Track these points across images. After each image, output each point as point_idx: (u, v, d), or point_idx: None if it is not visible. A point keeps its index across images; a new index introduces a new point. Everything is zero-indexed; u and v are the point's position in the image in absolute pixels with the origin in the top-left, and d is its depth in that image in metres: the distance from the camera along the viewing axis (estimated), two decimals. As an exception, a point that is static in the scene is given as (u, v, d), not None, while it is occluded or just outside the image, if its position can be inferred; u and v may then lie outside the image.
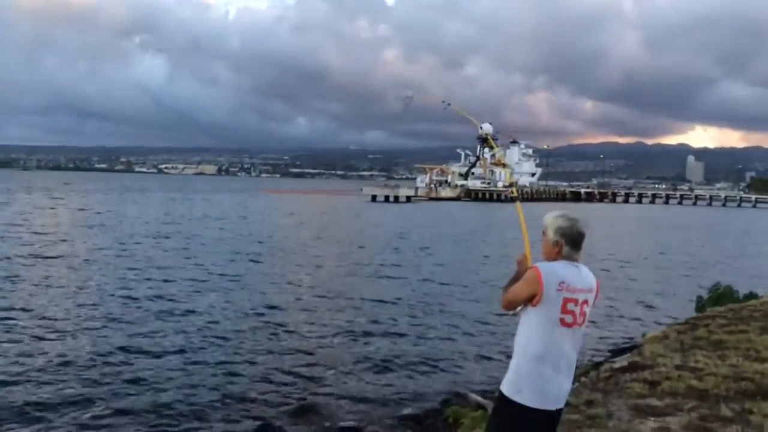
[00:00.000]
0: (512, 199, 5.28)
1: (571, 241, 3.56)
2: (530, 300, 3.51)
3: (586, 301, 3.52)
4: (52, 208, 55.16)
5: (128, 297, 17.10)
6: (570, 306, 3.47)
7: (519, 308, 3.64)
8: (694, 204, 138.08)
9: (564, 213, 3.66)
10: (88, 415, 9.13)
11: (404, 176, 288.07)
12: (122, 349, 12.24)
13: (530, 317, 3.54)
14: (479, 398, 9.30)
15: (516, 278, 3.67)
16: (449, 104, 5.85)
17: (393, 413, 9.69)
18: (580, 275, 3.54)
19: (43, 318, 14.40)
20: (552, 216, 3.66)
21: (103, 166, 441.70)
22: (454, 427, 7.24)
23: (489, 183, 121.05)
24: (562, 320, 3.48)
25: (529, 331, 3.55)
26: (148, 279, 20.17)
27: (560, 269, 3.51)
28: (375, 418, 9.50)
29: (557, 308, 3.46)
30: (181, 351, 12.34)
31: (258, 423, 8.80)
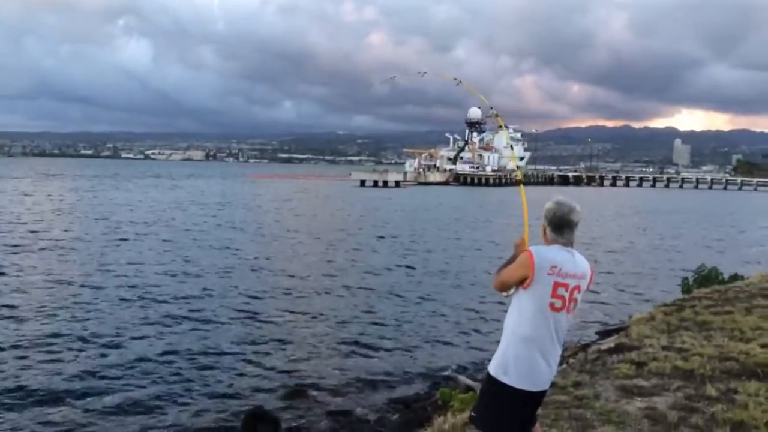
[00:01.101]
0: (516, 183, 5.28)
1: (552, 224, 3.58)
2: (522, 282, 3.53)
3: (577, 287, 3.54)
4: (30, 196, 54.63)
5: (107, 286, 16.77)
6: (560, 291, 3.49)
7: (512, 290, 3.67)
8: (681, 187, 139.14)
9: (559, 198, 3.67)
10: (76, 406, 9.11)
11: (393, 161, 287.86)
12: (101, 338, 12.17)
13: (521, 300, 3.57)
14: (468, 380, 9.38)
15: (511, 260, 3.69)
16: (461, 81, 5.72)
17: (382, 397, 9.76)
18: (573, 261, 3.55)
19: (11, 307, 14.14)
20: (549, 202, 3.68)
21: (90, 152, 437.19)
22: (443, 409, 7.28)
23: (478, 167, 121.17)
24: (551, 304, 3.50)
25: (520, 313, 3.57)
26: (130, 268, 19.77)
27: (553, 253, 3.53)
28: (364, 402, 9.56)
29: (548, 292, 3.48)
30: (165, 340, 12.27)
31: (247, 408, 8.85)
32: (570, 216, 3.60)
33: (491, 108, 5.19)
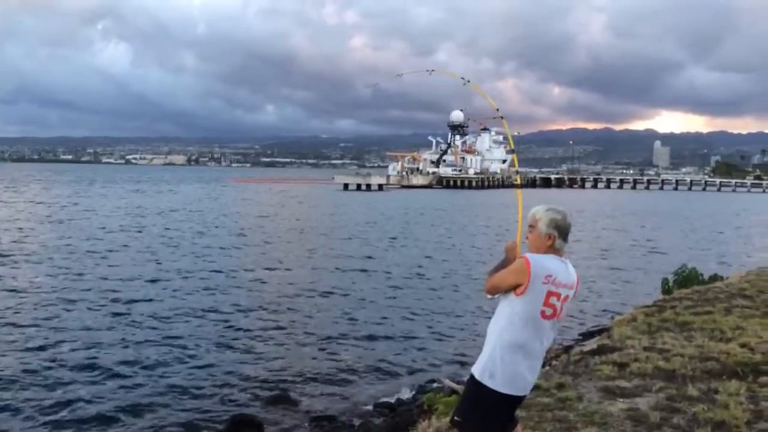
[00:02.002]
0: (515, 186, 5.26)
1: (563, 234, 3.59)
2: (514, 288, 3.53)
3: (567, 297, 3.56)
4: (11, 202, 53.86)
5: (83, 297, 16.22)
6: (552, 300, 3.50)
7: (499, 295, 3.66)
8: (661, 188, 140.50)
9: (553, 206, 3.68)
10: (60, 412, 9.00)
11: (376, 164, 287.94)
12: (80, 345, 12.01)
13: (512, 305, 3.56)
14: (453, 384, 9.37)
15: (503, 265, 3.67)
16: (468, 81, 5.67)
17: (367, 402, 9.74)
18: (567, 271, 3.57)
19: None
20: (543, 209, 3.65)
21: (69, 157, 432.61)
22: (428, 413, 7.28)
23: (460, 170, 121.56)
24: (542, 312, 3.51)
25: (509, 318, 3.57)
26: (101, 277, 19.07)
27: (549, 262, 3.53)
28: (349, 407, 9.53)
29: (540, 301, 3.49)
30: (142, 348, 12.10)
31: (232, 413, 8.78)
32: (570, 223, 3.64)
33: (497, 110, 5.15)
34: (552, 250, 3.57)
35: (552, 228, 3.57)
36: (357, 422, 8.83)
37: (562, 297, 3.52)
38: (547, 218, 3.59)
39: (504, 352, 3.53)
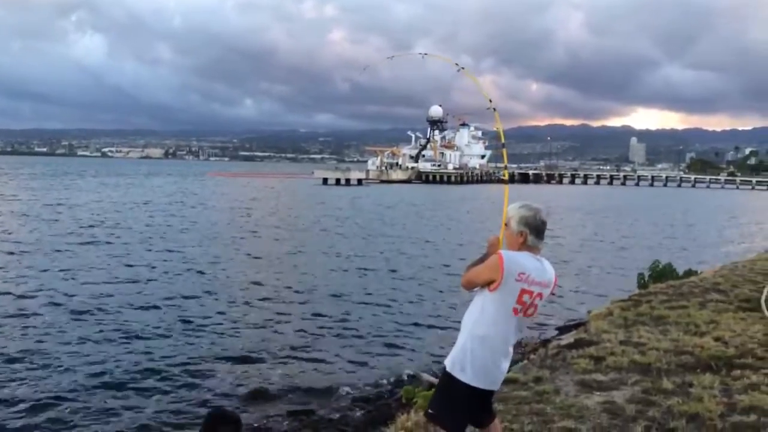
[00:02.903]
0: (502, 182, 5.24)
1: (535, 231, 3.59)
2: (488, 284, 3.54)
3: (540, 295, 3.57)
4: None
5: (53, 294, 15.74)
6: (525, 297, 3.52)
7: (476, 289, 3.68)
8: (637, 184, 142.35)
9: (526, 203, 3.68)
10: (34, 415, 8.85)
11: (355, 159, 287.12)
12: (50, 345, 11.81)
13: (485, 301, 3.58)
14: (431, 378, 9.40)
15: (482, 259, 3.68)
16: (463, 68, 5.59)
17: (345, 396, 9.71)
18: (542, 269, 3.58)
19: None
20: (515, 206, 3.67)
21: (44, 149, 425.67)
22: (406, 406, 7.29)
23: (439, 165, 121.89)
24: (515, 309, 3.54)
25: (482, 313, 3.59)
26: (71, 276, 18.27)
27: (523, 260, 3.53)
28: (327, 401, 9.50)
29: (513, 297, 3.51)
30: (119, 344, 11.94)
31: (209, 408, 8.71)
32: (545, 218, 3.64)
33: (490, 101, 5.07)
34: (525, 247, 3.59)
35: (523, 225, 3.58)
36: (335, 416, 8.80)
37: (535, 294, 3.54)
38: (518, 216, 3.60)
39: (475, 346, 3.56)
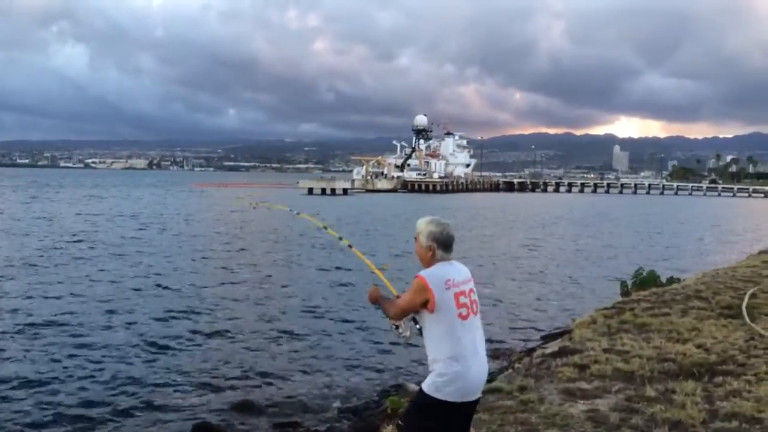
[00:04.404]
0: (350, 246, 5.48)
1: (442, 245, 3.72)
2: (425, 306, 3.62)
3: (472, 290, 3.71)
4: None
5: (32, 308, 15.64)
6: (462, 299, 3.63)
7: (407, 331, 3.89)
8: (621, 192, 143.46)
9: (435, 218, 3.82)
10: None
11: (341, 168, 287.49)
12: (30, 359, 11.74)
13: (432, 322, 3.65)
14: (416, 387, 9.40)
15: (386, 305, 3.88)
16: (298, 213, 6.23)
17: (331, 407, 9.68)
18: (457, 270, 3.71)
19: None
20: (424, 222, 3.82)
21: (26, 161, 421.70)
22: (392, 417, 7.28)
23: (425, 174, 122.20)
24: (460, 315, 3.62)
25: (438, 335, 3.64)
26: (60, 288, 18.36)
27: (440, 270, 3.66)
28: (313, 412, 9.47)
29: (453, 304, 3.60)
30: (103, 357, 11.85)
31: (194, 421, 8.64)
32: (452, 233, 3.78)
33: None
34: (434, 260, 3.72)
35: (431, 240, 3.73)
36: (322, 427, 8.78)
37: (467, 291, 3.67)
38: (427, 231, 3.75)
39: (448, 367, 3.58)
